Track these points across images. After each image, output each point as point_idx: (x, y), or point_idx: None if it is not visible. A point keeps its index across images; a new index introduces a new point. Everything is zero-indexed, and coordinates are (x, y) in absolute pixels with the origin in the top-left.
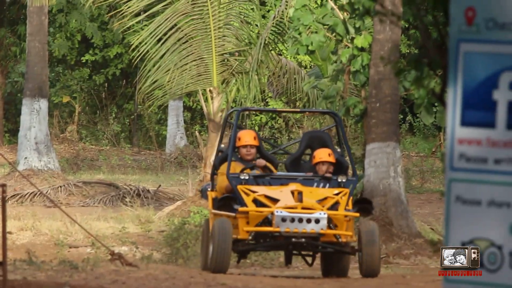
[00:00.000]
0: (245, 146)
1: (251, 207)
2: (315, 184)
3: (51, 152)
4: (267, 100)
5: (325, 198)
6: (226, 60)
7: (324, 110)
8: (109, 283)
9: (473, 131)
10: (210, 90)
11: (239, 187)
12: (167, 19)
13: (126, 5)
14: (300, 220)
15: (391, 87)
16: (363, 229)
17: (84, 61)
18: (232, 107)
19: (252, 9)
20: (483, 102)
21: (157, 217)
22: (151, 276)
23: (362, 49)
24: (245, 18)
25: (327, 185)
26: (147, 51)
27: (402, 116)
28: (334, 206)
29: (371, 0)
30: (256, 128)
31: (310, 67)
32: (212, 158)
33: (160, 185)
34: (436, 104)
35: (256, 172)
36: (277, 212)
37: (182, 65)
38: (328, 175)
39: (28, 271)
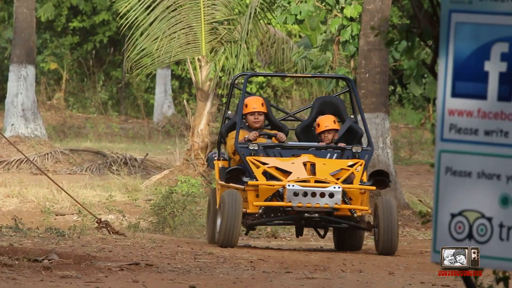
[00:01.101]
0: (252, 113)
1: (261, 180)
2: (328, 154)
3: (38, 119)
4: (255, 70)
5: (339, 170)
6: (215, 29)
7: (335, 75)
8: (95, 251)
9: (464, 102)
10: (198, 59)
11: (248, 158)
12: None
13: None
14: (313, 194)
15: (380, 58)
16: (380, 203)
17: (71, 27)
18: (220, 77)
19: None
20: (474, 73)
21: (144, 186)
22: (138, 245)
23: (351, 19)
24: None
25: (341, 155)
26: (136, 18)
27: (391, 88)
28: (349, 179)
29: None
30: None
31: (300, 36)
32: (200, 127)
33: (147, 154)
34: (425, 75)
35: (256, 140)
36: (289, 186)
37: (171, 33)
38: (342, 145)
39: (14, 238)
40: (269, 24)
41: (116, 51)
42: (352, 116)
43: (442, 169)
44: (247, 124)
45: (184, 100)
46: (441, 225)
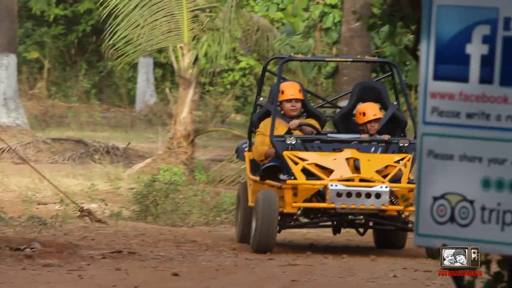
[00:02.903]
0: (289, 101)
1: (300, 178)
2: (373, 148)
3: (20, 108)
4: (236, 57)
5: (386, 167)
6: (197, 17)
7: (379, 59)
8: (78, 239)
9: (446, 85)
10: (180, 47)
11: (286, 153)
12: None
13: None
14: (358, 194)
15: (362, 45)
16: None
17: (53, 16)
18: (202, 66)
19: None
20: (456, 56)
21: (127, 175)
22: (121, 233)
23: (333, 6)
24: None
25: (386, 149)
26: (116, 5)
27: (374, 74)
28: (396, 176)
29: None
30: (228, 86)
31: (282, 24)
32: (183, 115)
33: (129, 143)
34: (407, 62)
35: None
36: (331, 185)
37: (152, 21)
38: (387, 137)
39: None
40: (251, 11)
41: (99, 40)
42: (395, 103)
43: (424, 152)
44: (282, 112)
45: (167, 88)
46: (424, 208)
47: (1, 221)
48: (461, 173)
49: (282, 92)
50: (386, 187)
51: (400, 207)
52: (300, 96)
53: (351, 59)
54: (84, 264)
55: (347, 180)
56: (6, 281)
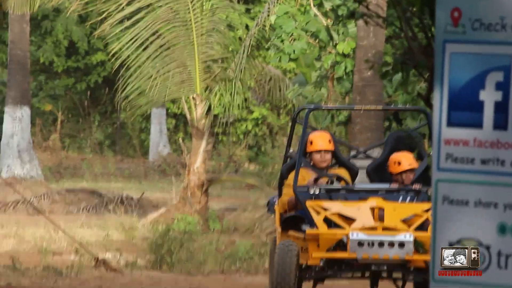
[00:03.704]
0: (319, 152)
1: (322, 228)
2: (401, 197)
3: (34, 160)
4: (249, 108)
5: (413, 216)
6: (209, 67)
7: (413, 107)
8: None
9: (460, 132)
10: (193, 97)
11: (308, 203)
12: (148, 25)
13: (107, 13)
14: (381, 244)
15: (375, 93)
16: None
17: (65, 67)
18: (215, 115)
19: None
20: (470, 102)
21: (141, 224)
22: (136, 282)
23: (345, 55)
24: (228, 25)
25: (415, 198)
26: (128, 56)
27: (387, 123)
28: (424, 226)
29: (356, 1)
30: (241, 136)
31: (295, 74)
32: (196, 165)
33: (143, 193)
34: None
35: (323, 181)
36: (352, 235)
37: (165, 72)
38: (417, 186)
39: (12, 278)
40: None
41: (111, 91)
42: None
43: (440, 198)
44: (311, 164)
45: (180, 139)
46: (439, 253)
47: (17, 272)
48: (476, 219)
49: (311, 143)
50: (410, 235)
51: (427, 257)
52: (330, 147)
53: (381, 108)
54: None
55: (370, 228)
56: None
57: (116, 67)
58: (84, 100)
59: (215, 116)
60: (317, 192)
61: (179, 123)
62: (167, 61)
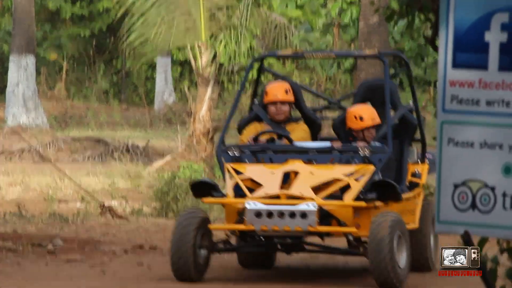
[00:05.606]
0: (274, 103)
1: (230, 195)
2: (337, 158)
3: (39, 108)
4: (255, 56)
5: (332, 182)
6: (214, 15)
7: (390, 52)
8: (99, 236)
9: (465, 73)
10: (198, 45)
11: (227, 166)
12: None
13: None
14: (281, 214)
15: (380, 40)
16: (372, 225)
17: (69, 13)
18: (220, 63)
19: None
20: (475, 43)
21: (147, 172)
22: (142, 229)
23: (351, 2)
24: None
25: (351, 159)
26: (133, 3)
27: (392, 70)
28: (343, 192)
29: None
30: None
31: (300, 22)
32: (202, 113)
33: (149, 141)
34: (424, 58)
35: (262, 138)
36: (249, 204)
37: (169, 20)
38: (361, 144)
39: (18, 224)
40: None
41: (116, 39)
42: (410, 102)
43: (445, 140)
44: (269, 117)
45: (185, 87)
46: (445, 195)
47: (23, 219)
48: (482, 160)
49: (266, 94)
50: (314, 205)
51: (336, 229)
52: (287, 98)
53: (333, 55)
54: (106, 259)
55: (272, 197)
56: (30, 277)
57: (120, 14)
58: (89, 49)
59: (221, 64)
60: (236, 154)
61: (185, 71)
62: (172, 8)
